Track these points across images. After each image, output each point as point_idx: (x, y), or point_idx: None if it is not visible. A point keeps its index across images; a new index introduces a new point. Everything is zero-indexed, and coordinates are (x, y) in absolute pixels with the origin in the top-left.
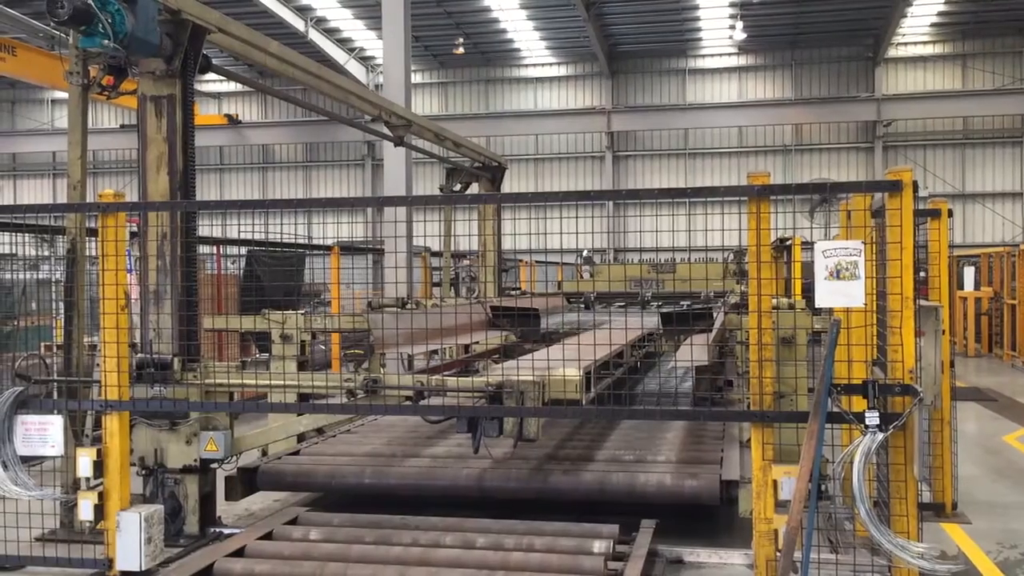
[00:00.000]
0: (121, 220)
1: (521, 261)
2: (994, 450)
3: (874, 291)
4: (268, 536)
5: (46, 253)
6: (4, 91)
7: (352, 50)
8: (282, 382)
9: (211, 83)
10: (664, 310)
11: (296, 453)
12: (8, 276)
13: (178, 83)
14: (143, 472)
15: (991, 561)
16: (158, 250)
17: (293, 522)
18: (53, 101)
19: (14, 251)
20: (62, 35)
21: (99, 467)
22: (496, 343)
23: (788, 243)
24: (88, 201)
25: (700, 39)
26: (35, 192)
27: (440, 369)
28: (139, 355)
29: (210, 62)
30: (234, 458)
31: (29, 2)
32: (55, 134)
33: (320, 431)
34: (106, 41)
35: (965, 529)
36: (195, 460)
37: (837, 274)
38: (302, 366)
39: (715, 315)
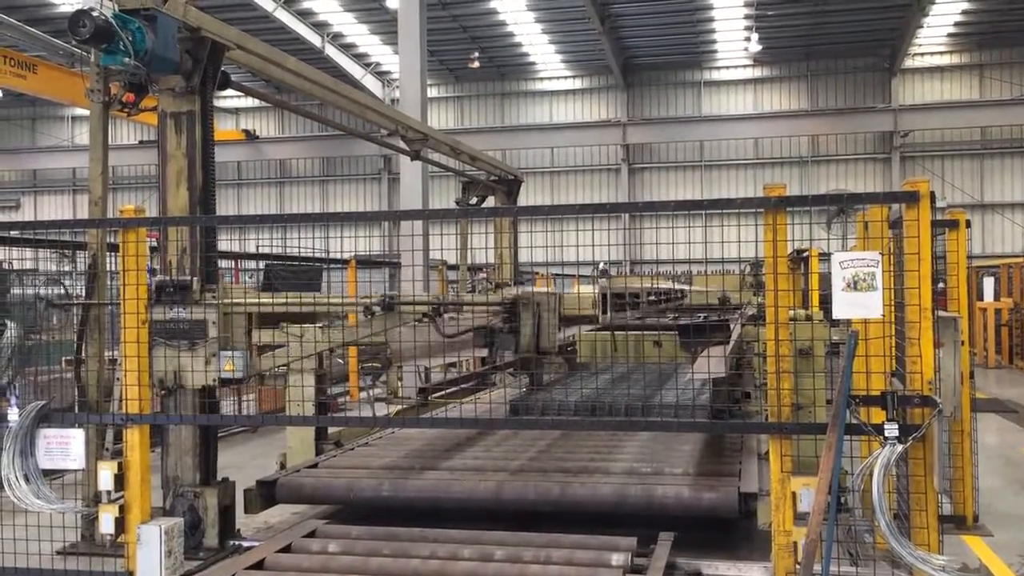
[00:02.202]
0: (141, 235)
1: (537, 274)
2: (1015, 462)
3: (892, 302)
4: (287, 549)
5: (67, 268)
6: (25, 108)
7: (368, 65)
8: (298, 300)
9: (228, 99)
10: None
11: (314, 466)
12: (30, 291)
13: (197, 99)
14: (162, 392)
15: (1014, 574)
16: (178, 265)
17: (312, 535)
18: (73, 118)
19: (36, 266)
20: (83, 53)
21: (120, 480)
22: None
23: (805, 254)
24: (109, 217)
25: (715, 51)
26: (55, 208)
27: (458, 381)
28: (158, 278)
29: (229, 78)
30: (254, 378)
31: (50, 20)
32: (75, 150)
33: (338, 444)
34: (127, 59)
35: (987, 541)
36: (214, 380)
37: (854, 285)
38: (320, 379)
39: (732, 326)
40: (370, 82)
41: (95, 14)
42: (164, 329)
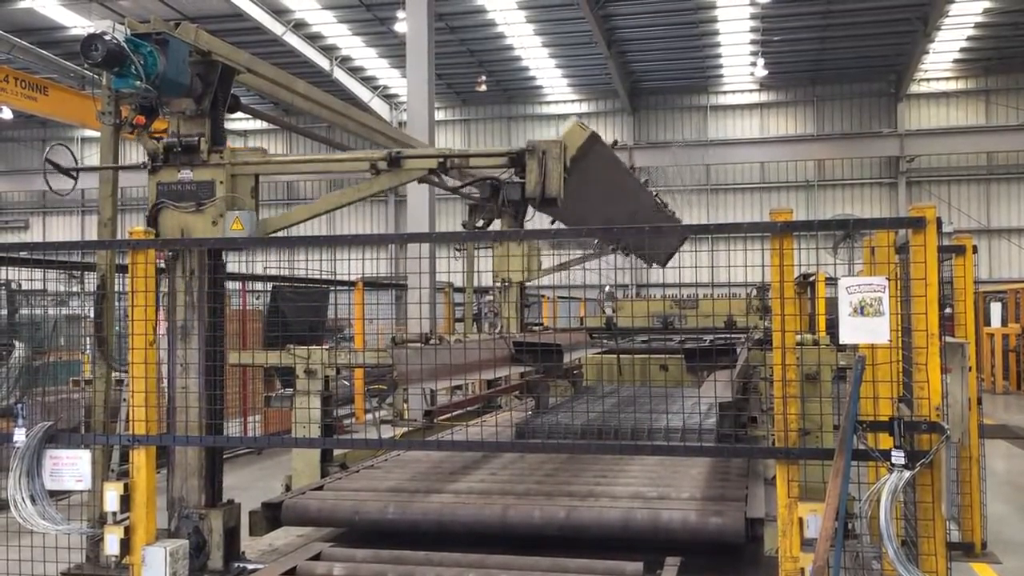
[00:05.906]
0: (151, 257)
1: (544, 297)
2: None
3: (899, 327)
4: (292, 572)
5: (75, 289)
6: (35, 129)
7: (376, 88)
8: (306, 158)
9: (237, 121)
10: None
11: (320, 488)
12: (38, 311)
13: (208, 122)
14: (169, 254)
15: None
16: (186, 286)
17: (316, 558)
18: (83, 139)
19: (44, 287)
20: (94, 76)
21: (126, 501)
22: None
23: (812, 279)
24: (118, 238)
25: (721, 76)
26: (64, 229)
27: (464, 404)
28: (165, 140)
29: (239, 101)
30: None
31: (62, 43)
32: (84, 171)
33: (344, 466)
34: (138, 82)
35: (995, 569)
36: None
37: (861, 310)
38: (326, 401)
39: (738, 350)
40: (378, 105)
41: (107, 38)
42: (171, 191)
